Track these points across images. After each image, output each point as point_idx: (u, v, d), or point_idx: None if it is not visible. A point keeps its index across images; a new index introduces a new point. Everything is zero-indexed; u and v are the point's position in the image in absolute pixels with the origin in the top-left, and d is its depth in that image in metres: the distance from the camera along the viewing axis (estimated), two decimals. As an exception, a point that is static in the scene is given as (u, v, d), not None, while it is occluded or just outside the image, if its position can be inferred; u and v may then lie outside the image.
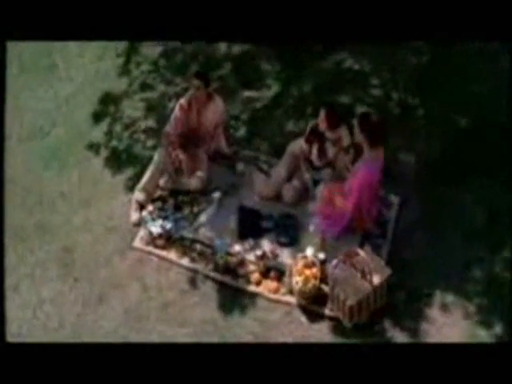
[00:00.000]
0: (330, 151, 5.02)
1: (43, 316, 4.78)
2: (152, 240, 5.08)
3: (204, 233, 5.10)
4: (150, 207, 5.23)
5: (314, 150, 5.06)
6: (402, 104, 5.66)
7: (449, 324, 4.36)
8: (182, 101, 5.24)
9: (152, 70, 6.57)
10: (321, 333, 4.44)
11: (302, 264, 4.50)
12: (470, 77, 5.84)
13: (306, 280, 4.40)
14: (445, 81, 5.91)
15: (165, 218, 5.14)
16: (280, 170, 5.21)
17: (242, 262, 4.84)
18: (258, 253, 4.74)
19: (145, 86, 6.40)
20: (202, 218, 5.21)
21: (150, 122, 6.05)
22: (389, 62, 6.08)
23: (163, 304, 4.76)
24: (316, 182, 5.07)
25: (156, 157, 5.32)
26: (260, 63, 6.34)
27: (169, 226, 5.09)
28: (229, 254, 4.86)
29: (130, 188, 5.49)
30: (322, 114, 4.94)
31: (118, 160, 5.77)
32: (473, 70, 5.90)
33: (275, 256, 4.83)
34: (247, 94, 6.06)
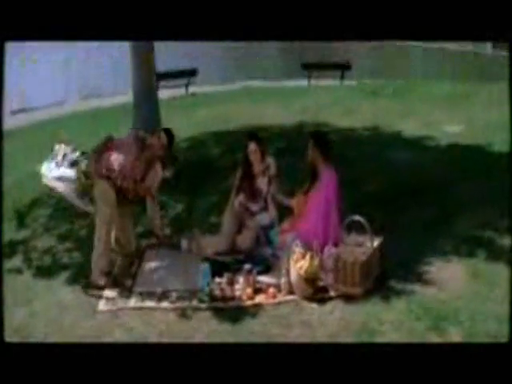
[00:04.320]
0: (262, 185, 5.58)
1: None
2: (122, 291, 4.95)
3: (173, 284, 5.03)
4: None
5: (249, 197, 5.58)
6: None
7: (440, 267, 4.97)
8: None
9: (50, 219, 6.73)
10: (337, 308, 4.53)
11: (298, 254, 4.73)
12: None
13: (311, 260, 4.62)
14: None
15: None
16: (226, 226, 5.58)
17: (230, 284, 4.85)
18: (247, 267, 4.83)
19: (48, 229, 6.50)
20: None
21: (68, 245, 6.06)
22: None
23: (159, 333, 4.41)
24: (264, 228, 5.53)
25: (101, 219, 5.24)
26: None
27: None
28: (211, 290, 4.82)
29: (71, 282, 5.30)
30: (252, 145, 5.50)
31: (49, 271, 5.57)
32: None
33: (258, 281, 4.92)
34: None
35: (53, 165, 5.86)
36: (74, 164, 5.57)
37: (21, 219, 6.85)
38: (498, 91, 10.19)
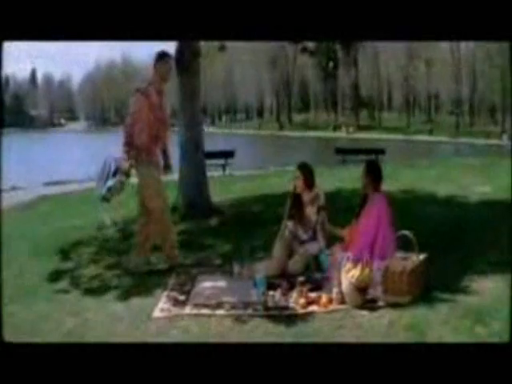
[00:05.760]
0: (311, 214, 5.84)
1: None
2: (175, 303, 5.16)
3: (227, 297, 5.23)
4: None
5: (298, 225, 5.85)
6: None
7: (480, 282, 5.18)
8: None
9: (95, 255, 7.11)
10: (386, 312, 4.71)
11: (349, 264, 4.94)
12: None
13: (362, 268, 4.83)
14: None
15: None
16: (278, 251, 5.81)
17: (284, 295, 5.06)
18: (300, 278, 5.03)
19: (94, 261, 6.86)
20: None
21: (117, 272, 6.33)
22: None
23: (218, 334, 4.55)
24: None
25: None
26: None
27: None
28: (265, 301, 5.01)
29: (123, 299, 5.50)
30: (299, 173, 5.83)
31: (98, 291, 5.78)
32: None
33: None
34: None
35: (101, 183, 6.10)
36: (116, 171, 5.94)
37: (65, 254, 7.20)
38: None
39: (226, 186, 13.23)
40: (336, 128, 71.19)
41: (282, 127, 77.74)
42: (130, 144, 5.92)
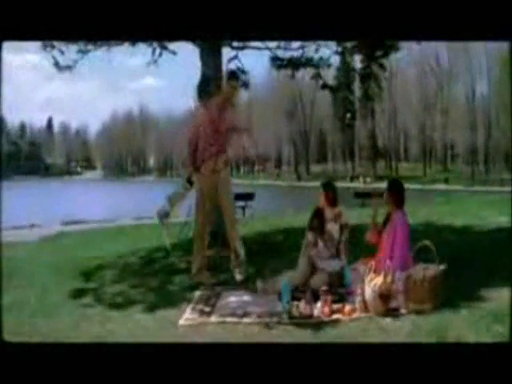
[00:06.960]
0: (334, 231, 5.93)
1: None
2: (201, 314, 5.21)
3: (253, 309, 5.29)
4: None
5: (320, 240, 5.93)
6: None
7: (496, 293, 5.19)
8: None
9: (118, 276, 7.26)
10: (409, 318, 4.75)
11: (372, 274, 5.00)
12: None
13: (384, 277, 4.88)
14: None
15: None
16: (302, 264, 5.90)
17: (308, 303, 5.08)
18: (324, 288, 5.08)
19: (117, 281, 6.99)
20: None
21: (141, 290, 6.44)
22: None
23: (244, 336, 4.63)
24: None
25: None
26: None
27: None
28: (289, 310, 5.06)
29: (147, 311, 5.57)
30: (322, 191, 5.98)
31: (122, 306, 5.85)
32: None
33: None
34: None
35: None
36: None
37: (87, 276, 7.37)
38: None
39: (246, 223, 13.40)
40: (353, 178, 71.39)
41: (299, 178, 78.09)
42: (192, 154, 6.41)
